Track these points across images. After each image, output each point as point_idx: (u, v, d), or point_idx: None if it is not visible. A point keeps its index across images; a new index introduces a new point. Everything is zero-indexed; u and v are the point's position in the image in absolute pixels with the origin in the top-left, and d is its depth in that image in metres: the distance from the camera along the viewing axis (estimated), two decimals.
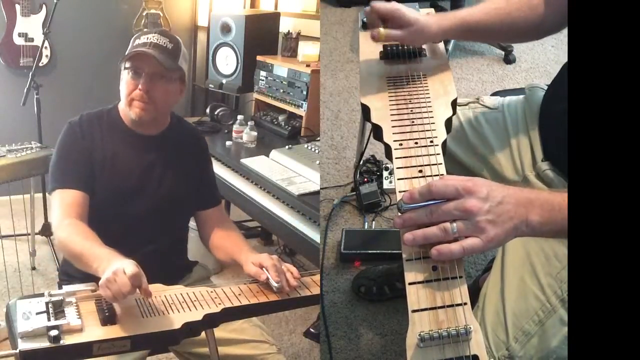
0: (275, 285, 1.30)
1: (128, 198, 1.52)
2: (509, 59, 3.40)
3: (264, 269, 1.33)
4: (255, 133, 2.53)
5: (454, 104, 1.19)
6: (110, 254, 1.23)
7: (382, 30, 1.21)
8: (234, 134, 2.57)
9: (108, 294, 1.12)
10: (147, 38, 1.49)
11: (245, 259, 1.40)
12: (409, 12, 1.22)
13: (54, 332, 1.04)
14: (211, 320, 1.22)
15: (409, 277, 0.90)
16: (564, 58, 3.34)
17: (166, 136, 1.58)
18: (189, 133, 1.69)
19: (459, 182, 0.90)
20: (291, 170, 2.17)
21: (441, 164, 1.03)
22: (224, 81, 2.98)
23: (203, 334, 1.25)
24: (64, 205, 1.41)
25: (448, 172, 1.01)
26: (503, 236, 0.89)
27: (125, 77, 1.48)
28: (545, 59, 3.43)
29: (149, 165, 1.55)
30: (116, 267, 1.13)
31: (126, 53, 1.49)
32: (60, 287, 1.40)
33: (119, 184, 1.51)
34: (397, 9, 1.21)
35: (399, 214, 0.92)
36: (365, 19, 1.41)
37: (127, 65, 1.47)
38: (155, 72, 1.47)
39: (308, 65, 2.60)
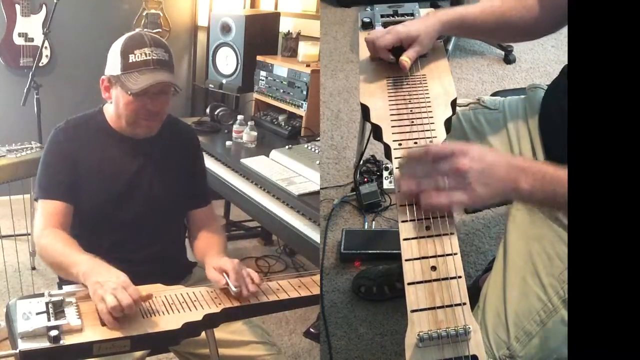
0: (234, 290, 1.27)
1: (119, 203, 1.50)
2: (509, 59, 3.40)
3: (224, 273, 1.31)
4: (255, 133, 2.53)
5: (454, 104, 1.19)
6: (90, 259, 1.23)
7: (407, 59, 1.23)
8: (234, 134, 2.57)
9: (103, 308, 1.12)
10: (146, 54, 1.41)
11: (208, 263, 1.39)
12: (408, 29, 1.25)
13: (54, 332, 1.05)
14: (211, 321, 1.22)
15: (409, 277, 0.90)
16: (564, 58, 3.35)
17: (155, 138, 1.54)
18: (179, 131, 1.66)
19: (455, 145, 0.97)
20: (291, 170, 2.17)
21: None
22: (224, 81, 2.98)
23: (203, 334, 1.25)
24: (45, 215, 1.41)
25: None
26: (490, 196, 0.94)
27: (127, 99, 1.42)
28: (545, 59, 3.43)
29: (138, 169, 1.53)
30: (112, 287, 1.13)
31: (121, 70, 1.41)
32: (60, 287, 1.39)
33: (108, 189, 1.49)
34: (400, 32, 1.24)
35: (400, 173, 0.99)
36: (365, 19, 1.42)
37: (137, 92, 1.40)
38: (162, 91, 1.45)
39: (308, 65, 2.60)
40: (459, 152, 0.94)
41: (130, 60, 1.42)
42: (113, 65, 1.44)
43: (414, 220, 0.97)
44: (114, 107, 1.48)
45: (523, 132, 1.46)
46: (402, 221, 0.97)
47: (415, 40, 1.24)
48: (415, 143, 1.07)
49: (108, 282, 1.15)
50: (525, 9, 1.30)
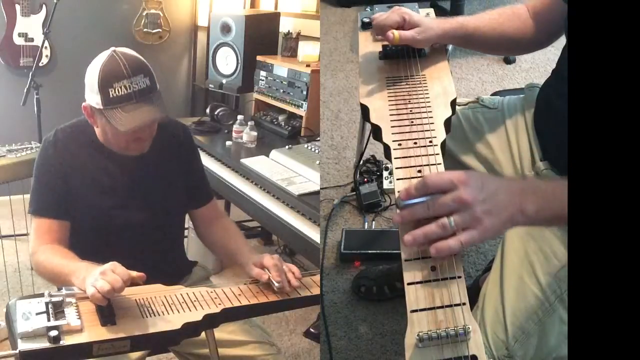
0: (277, 285, 1.30)
1: (116, 212, 1.48)
2: (509, 59, 3.40)
3: (265, 269, 1.33)
4: (255, 133, 2.53)
5: (454, 104, 1.19)
6: (88, 266, 1.23)
7: (396, 32, 1.24)
8: (234, 134, 2.57)
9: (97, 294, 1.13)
10: (126, 87, 1.35)
11: (246, 261, 1.40)
12: (414, 15, 1.27)
13: (53, 333, 1.05)
14: (211, 321, 1.22)
15: (408, 277, 0.90)
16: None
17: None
18: (170, 132, 1.59)
19: (454, 174, 0.91)
20: (291, 170, 2.17)
21: (440, 164, 1.03)
22: (224, 81, 2.98)
23: (203, 334, 1.25)
24: (39, 233, 1.42)
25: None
26: (499, 226, 0.90)
27: (112, 130, 1.39)
28: (545, 59, 3.43)
29: (133, 178, 1.50)
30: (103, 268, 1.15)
31: (103, 105, 1.36)
32: (60, 288, 1.40)
33: (104, 200, 1.47)
34: (404, 13, 1.26)
35: (398, 211, 0.93)
36: (365, 19, 1.42)
37: (126, 131, 1.36)
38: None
39: (308, 65, 2.60)
40: (460, 182, 0.89)
41: (111, 96, 1.35)
42: (93, 96, 1.38)
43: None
44: (102, 133, 1.46)
45: (521, 130, 1.46)
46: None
47: (416, 27, 1.25)
48: (415, 143, 1.07)
49: (96, 270, 1.16)
50: (520, 22, 1.35)
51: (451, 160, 1.49)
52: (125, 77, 1.35)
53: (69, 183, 1.45)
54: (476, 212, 0.88)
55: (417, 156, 1.05)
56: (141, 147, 1.47)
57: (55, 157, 1.46)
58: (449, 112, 1.16)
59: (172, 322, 1.16)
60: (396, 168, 1.03)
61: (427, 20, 1.28)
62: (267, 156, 2.32)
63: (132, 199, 1.50)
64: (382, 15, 1.29)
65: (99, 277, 1.14)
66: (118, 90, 1.35)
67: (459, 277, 0.89)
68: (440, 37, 1.29)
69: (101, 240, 1.48)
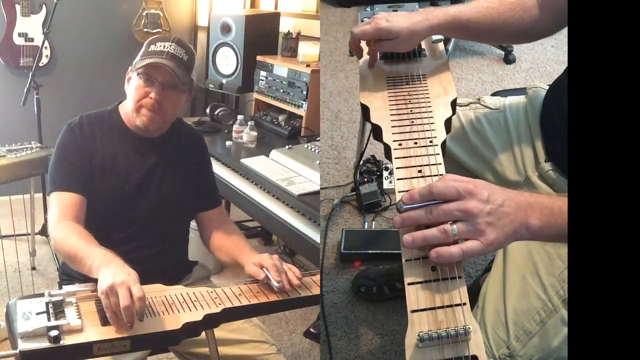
0: (276, 285, 1.30)
1: (129, 200, 1.51)
2: (509, 59, 3.40)
3: (264, 269, 1.33)
4: (255, 133, 2.53)
5: (454, 104, 1.19)
6: (106, 254, 1.23)
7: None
8: (234, 134, 2.57)
9: (107, 303, 1.12)
10: (164, 47, 1.49)
11: (246, 260, 1.40)
12: (391, 26, 1.20)
13: (54, 332, 1.04)
14: (211, 321, 1.22)
15: (409, 277, 0.90)
16: (564, 58, 3.35)
17: (167, 138, 1.58)
18: (189, 134, 1.69)
19: (460, 183, 0.90)
20: (291, 170, 2.17)
21: (441, 164, 1.03)
22: (224, 81, 2.98)
23: (203, 334, 1.25)
24: (61, 208, 1.41)
25: (448, 173, 1.01)
26: (502, 239, 0.89)
27: (136, 83, 1.48)
28: (545, 59, 3.43)
29: (150, 167, 1.55)
30: (122, 280, 1.13)
31: (140, 57, 1.50)
32: (60, 287, 1.40)
33: (119, 187, 1.51)
34: (379, 28, 1.20)
35: (398, 214, 0.92)
36: (365, 19, 1.41)
37: (141, 71, 1.47)
38: (169, 83, 1.48)
39: (308, 65, 2.60)
40: (466, 192, 0.88)
41: (150, 49, 1.50)
42: (139, 55, 1.52)
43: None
44: (128, 94, 1.52)
45: (524, 132, 1.45)
46: None
47: (395, 38, 1.20)
48: (416, 143, 1.07)
49: (117, 278, 1.14)
50: (523, 11, 1.26)
51: (452, 162, 1.49)
52: (168, 41, 1.51)
53: (91, 165, 1.49)
54: (480, 224, 0.88)
55: (417, 156, 1.05)
56: (150, 118, 1.49)
57: (80, 137, 1.51)
58: (449, 112, 1.16)
59: (172, 322, 1.16)
60: (397, 168, 1.03)
61: (406, 26, 1.20)
62: (267, 156, 2.32)
63: (148, 186, 1.53)
64: (358, 26, 1.24)
65: (115, 289, 1.11)
66: (158, 46, 1.50)
67: (460, 277, 0.89)
68: (428, 35, 1.25)
69: (111, 229, 1.49)
